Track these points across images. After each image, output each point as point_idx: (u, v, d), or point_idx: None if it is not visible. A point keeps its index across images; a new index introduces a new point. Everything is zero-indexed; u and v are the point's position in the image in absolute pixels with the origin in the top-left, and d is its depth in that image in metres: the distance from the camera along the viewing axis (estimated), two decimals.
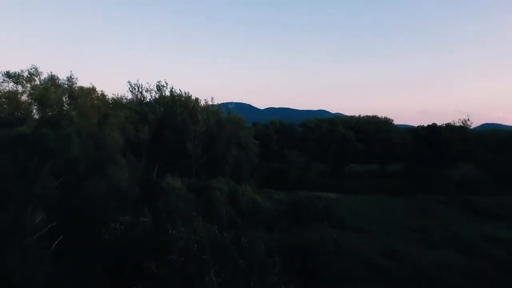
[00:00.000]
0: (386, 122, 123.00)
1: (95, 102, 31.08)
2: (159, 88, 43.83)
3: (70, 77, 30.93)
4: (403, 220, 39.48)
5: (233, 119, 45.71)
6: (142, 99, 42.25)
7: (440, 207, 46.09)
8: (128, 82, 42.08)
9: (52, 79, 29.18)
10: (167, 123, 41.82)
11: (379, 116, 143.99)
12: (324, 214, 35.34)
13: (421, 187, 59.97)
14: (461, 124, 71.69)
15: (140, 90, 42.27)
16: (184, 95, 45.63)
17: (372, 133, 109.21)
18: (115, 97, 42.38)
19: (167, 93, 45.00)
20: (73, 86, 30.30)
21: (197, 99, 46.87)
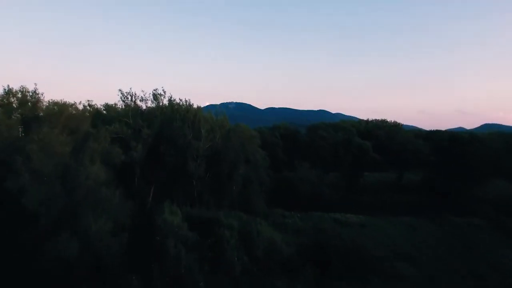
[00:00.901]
0: (396, 126, 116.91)
1: (71, 120, 24.44)
2: (155, 97, 37.29)
3: (34, 92, 23.95)
4: (444, 256, 33.16)
5: (241, 131, 39.20)
6: (135, 109, 35.65)
7: (479, 234, 39.85)
8: (120, 90, 35.60)
9: (7, 94, 22.48)
10: (165, 138, 35.31)
11: (388, 119, 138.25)
12: (354, 253, 29.16)
13: (447, 205, 53.81)
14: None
15: (133, 99, 35.74)
16: (184, 103, 39.11)
17: (383, 138, 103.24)
18: (102, 108, 35.91)
19: (165, 102, 38.49)
20: (38, 104, 23.62)
21: (199, 108, 40.29)
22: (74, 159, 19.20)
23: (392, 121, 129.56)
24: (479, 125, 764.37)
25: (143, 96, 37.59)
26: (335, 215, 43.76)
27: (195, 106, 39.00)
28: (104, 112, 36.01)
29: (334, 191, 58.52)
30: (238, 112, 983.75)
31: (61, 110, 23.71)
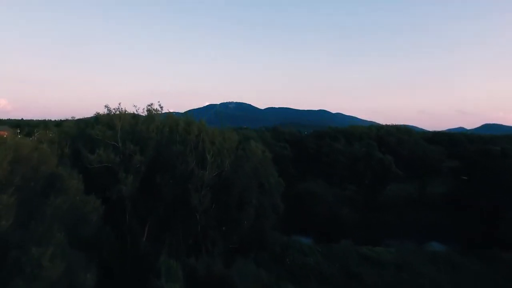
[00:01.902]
0: (408, 132, 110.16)
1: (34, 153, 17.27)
2: (150, 113, 30.45)
3: None
4: None
5: (253, 153, 32.35)
6: (125, 130, 28.72)
7: None
8: (106, 107, 28.86)
9: None
10: (162, 165, 28.45)
11: (397, 123, 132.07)
12: None
13: (484, 233, 47.08)
14: None
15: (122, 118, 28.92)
16: (186, 120, 32.26)
17: (394, 144, 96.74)
18: (80, 128, 29.05)
19: (162, 118, 31.60)
20: None
21: (203, 125, 33.38)
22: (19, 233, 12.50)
23: (402, 125, 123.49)
24: (479, 125, 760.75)
25: (135, 111, 30.83)
26: (363, 250, 36.93)
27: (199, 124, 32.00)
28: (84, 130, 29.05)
29: (352, 209, 51.93)
30: (238, 112, 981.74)
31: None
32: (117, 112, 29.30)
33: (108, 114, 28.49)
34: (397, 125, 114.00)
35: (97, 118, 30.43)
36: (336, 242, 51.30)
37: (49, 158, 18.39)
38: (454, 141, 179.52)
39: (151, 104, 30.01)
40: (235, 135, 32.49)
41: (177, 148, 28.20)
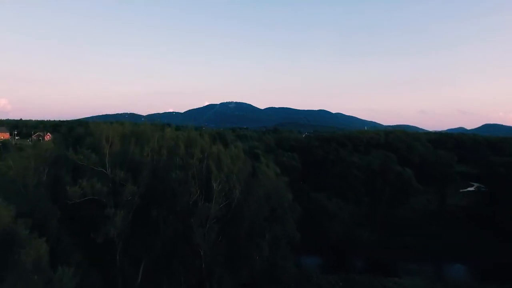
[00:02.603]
0: (416, 136, 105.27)
1: None
2: (144, 130, 25.56)
3: None
4: None
5: (266, 177, 27.46)
6: (116, 153, 23.79)
7: None
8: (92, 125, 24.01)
9: None
10: (160, 195, 23.61)
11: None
12: None
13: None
14: None
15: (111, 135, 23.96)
16: (187, 138, 27.38)
17: (404, 151, 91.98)
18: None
19: (159, 136, 26.71)
20: None
21: (208, 144, 28.46)
22: None
23: (406, 126, 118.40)
24: (479, 125, 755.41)
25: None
26: (389, 284, 32.14)
27: (206, 140, 27.09)
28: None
29: (369, 229, 47.18)
30: (238, 112, 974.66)
31: None
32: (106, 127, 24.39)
33: (93, 136, 23.52)
34: (405, 130, 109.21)
35: (82, 136, 25.54)
36: (352, 265, 46.39)
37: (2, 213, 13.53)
38: (460, 143, 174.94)
39: (143, 121, 25.11)
40: (246, 160, 27.50)
41: (177, 175, 23.31)
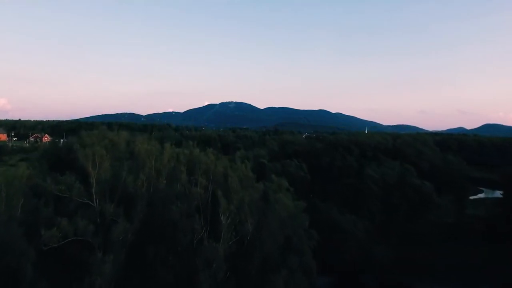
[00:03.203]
0: (424, 140, 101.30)
1: None
2: (139, 155, 21.53)
3: None
4: None
5: (284, 208, 23.46)
6: (103, 180, 19.77)
7: None
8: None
9: None
10: (157, 232, 19.63)
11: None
12: None
13: None
14: None
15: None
16: (189, 159, 23.37)
17: (414, 156, 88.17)
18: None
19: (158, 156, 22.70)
20: None
21: (213, 165, 24.37)
22: None
23: (411, 127, 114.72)
24: (479, 125, 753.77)
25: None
26: None
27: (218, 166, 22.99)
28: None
29: (385, 247, 43.24)
30: (238, 111, 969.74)
31: None
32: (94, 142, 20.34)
33: (78, 160, 19.46)
34: (413, 134, 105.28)
35: (65, 158, 21.48)
36: (367, 286, 42.59)
37: None
38: (464, 145, 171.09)
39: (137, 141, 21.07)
40: (258, 185, 23.44)
41: (179, 207, 19.31)
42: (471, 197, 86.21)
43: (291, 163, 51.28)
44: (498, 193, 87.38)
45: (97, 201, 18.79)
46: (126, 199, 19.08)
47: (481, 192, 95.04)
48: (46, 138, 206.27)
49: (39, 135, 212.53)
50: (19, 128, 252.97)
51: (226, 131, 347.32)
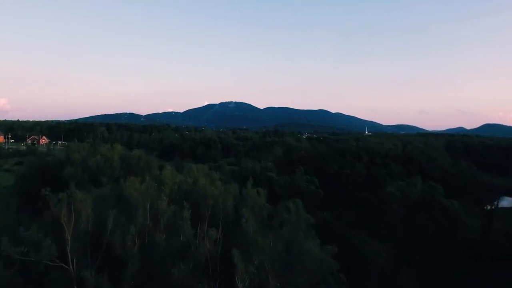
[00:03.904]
0: (434, 145, 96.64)
1: None
2: (130, 199, 16.71)
3: None
4: None
5: (312, 259, 18.66)
6: (81, 231, 14.97)
7: None
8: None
9: None
10: None
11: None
12: None
13: None
14: None
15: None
16: (193, 185, 18.52)
17: (425, 163, 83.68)
18: None
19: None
20: None
21: (226, 194, 19.50)
22: None
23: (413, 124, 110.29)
24: (479, 125, 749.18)
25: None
26: None
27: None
28: None
29: (413, 275, 38.60)
30: (238, 111, 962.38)
31: None
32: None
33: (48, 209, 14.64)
34: (421, 137, 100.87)
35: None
36: None
37: None
38: (470, 148, 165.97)
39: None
40: (283, 232, 18.58)
41: (182, 270, 14.50)
42: (489, 207, 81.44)
43: (302, 177, 46.45)
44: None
45: (74, 263, 14.00)
46: (112, 260, 14.29)
47: (495, 199, 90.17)
48: (44, 140, 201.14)
49: (36, 137, 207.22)
50: (16, 130, 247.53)
51: (226, 131, 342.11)
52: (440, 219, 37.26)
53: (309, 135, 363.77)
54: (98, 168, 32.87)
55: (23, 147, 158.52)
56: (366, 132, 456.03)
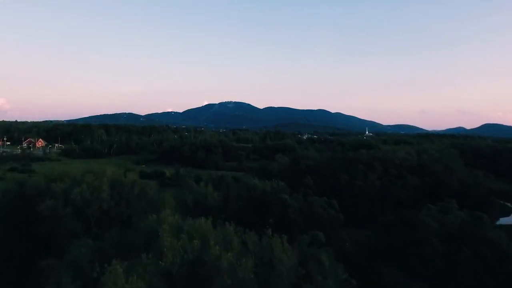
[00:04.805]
0: (451, 155, 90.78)
1: None
2: None
3: None
4: None
5: None
6: None
7: None
8: None
9: None
10: None
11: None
12: None
13: None
14: None
15: None
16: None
17: (441, 174, 77.98)
18: None
19: None
20: None
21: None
22: None
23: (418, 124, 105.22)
24: (479, 125, 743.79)
25: None
26: None
27: None
28: None
29: None
30: (237, 111, 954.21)
31: None
32: None
33: None
34: (437, 145, 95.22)
35: None
36: None
37: None
38: (478, 151, 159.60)
39: None
40: None
41: None
42: (503, 220, 75.86)
43: (319, 200, 40.68)
44: None
45: None
46: None
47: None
48: (40, 143, 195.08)
49: (32, 139, 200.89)
50: (13, 132, 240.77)
51: (226, 132, 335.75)
52: (486, 254, 31.53)
53: (309, 135, 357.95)
54: (83, 200, 26.77)
55: (18, 150, 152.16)
56: (367, 133, 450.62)
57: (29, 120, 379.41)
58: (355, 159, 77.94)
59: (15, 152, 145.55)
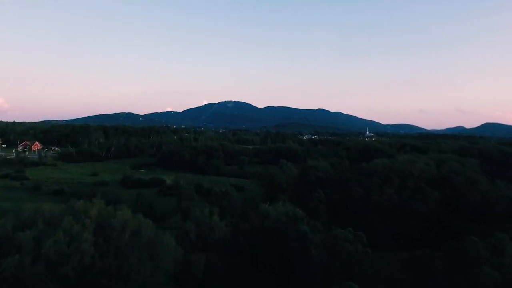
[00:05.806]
0: (473, 166, 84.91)
1: None
2: None
3: None
4: None
5: None
6: None
7: None
8: None
9: None
10: None
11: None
12: None
13: None
14: None
15: None
16: None
17: (464, 187, 71.68)
18: None
19: None
20: None
21: None
22: None
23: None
24: (479, 125, 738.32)
25: None
26: None
27: None
28: None
29: None
30: (237, 111, 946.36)
31: None
32: None
33: None
34: (457, 156, 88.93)
35: None
36: None
37: None
38: (487, 154, 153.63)
39: None
40: None
41: None
42: None
43: (341, 233, 34.14)
44: None
45: None
46: None
47: None
48: (37, 146, 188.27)
49: (28, 142, 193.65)
50: (9, 134, 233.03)
51: (226, 132, 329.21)
52: None
53: (310, 136, 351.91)
54: (58, 255, 19.76)
55: (13, 154, 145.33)
56: (367, 132, 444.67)
57: (27, 121, 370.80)
58: (368, 170, 71.88)
59: (9, 157, 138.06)
